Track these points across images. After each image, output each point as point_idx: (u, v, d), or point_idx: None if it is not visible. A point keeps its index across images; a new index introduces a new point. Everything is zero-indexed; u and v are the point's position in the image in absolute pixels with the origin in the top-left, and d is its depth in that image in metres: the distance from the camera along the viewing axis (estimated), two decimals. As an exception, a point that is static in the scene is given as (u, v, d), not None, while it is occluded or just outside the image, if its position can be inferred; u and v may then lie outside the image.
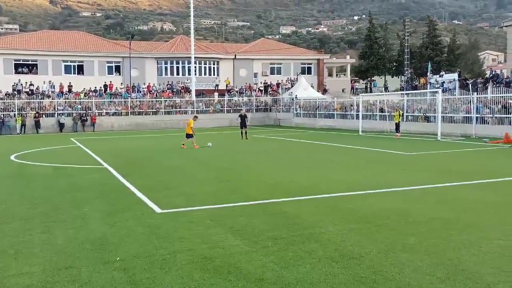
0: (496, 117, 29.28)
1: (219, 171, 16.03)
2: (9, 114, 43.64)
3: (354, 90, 59.36)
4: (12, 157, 21.44)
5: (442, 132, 28.45)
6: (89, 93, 50.01)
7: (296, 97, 49.31)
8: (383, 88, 60.50)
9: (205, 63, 62.23)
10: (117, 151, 24.29)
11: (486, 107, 30.49)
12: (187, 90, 54.10)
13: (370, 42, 72.97)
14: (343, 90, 62.33)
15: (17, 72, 54.95)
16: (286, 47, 75.15)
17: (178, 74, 60.81)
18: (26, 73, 55.08)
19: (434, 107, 32.67)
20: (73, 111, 45.80)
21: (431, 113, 33.45)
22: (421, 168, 15.93)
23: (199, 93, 54.12)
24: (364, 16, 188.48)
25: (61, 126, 44.07)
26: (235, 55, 64.94)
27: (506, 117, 28.31)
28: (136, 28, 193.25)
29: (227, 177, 14.73)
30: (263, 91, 57.98)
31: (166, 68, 61.52)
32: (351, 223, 8.63)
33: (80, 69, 58.33)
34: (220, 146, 25.62)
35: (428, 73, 46.95)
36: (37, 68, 56.59)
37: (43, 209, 10.37)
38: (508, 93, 30.19)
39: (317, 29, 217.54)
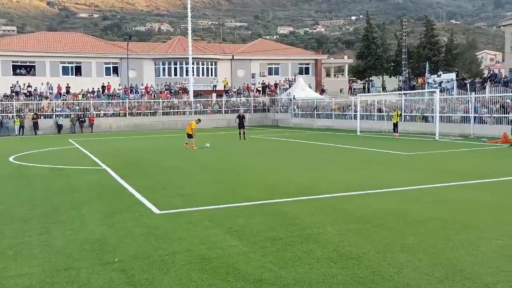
0: (494, 116, 29.32)
1: (217, 172, 16.04)
2: (7, 115, 43.59)
3: (352, 90, 59.38)
4: (10, 159, 21.43)
5: (440, 132, 28.48)
6: (87, 94, 49.98)
7: (294, 98, 49.32)
8: (381, 88, 60.56)
9: (203, 64, 62.23)
10: (115, 152, 24.29)
11: (484, 107, 30.53)
12: (185, 91, 54.09)
13: (368, 42, 72.97)
14: (341, 90, 62.38)
15: (15, 74, 54.94)
16: (284, 48, 75.21)
17: (176, 75, 60.81)
18: (24, 75, 55.09)
19: (432, 107, 32.70)
20: (71, 112, 45.77)
21: (429, 113, 33.48)
22: (419, 168, 15.96)
23: (197, 94, 54.12)
24: (361, 16, 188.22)
25: (59, 127, 44.03)
26: (233, 56, 64.97)
27: (504, 116, 28.33)
28: (133, 29, 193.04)
29: (225, 177, 14.74)
30: (261, 92, 57.97)
31: (163, 69, 61.51)
32: (350, 223, 8.64)
33: (77, 70, 58.30)
34: (218, 146, 25.63)
35: (426, 73, 47.00)
36: (35, 69, 56.56)
37: (42, 210, 10.37)
38: (506, 92, 30.23)
39: (314, 29, 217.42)
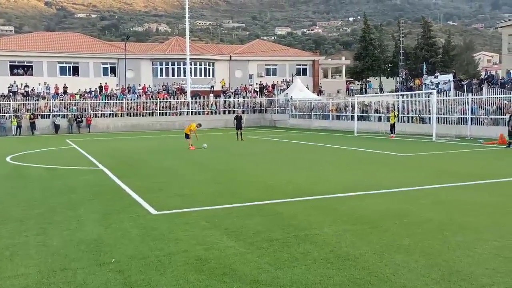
0: (491, 118, 29.36)
1: (214, 173, 16.03)
2: (4, 115, 43.52)
3: (349, 91, 59.39)
4: (7, 159, 21.39)
5: (437, 133, 28.53)
6: (84, 95, 49.94)
7: (291, 98, 49.35)
8: (378, 89, 60.61)
9: (200, 64, 62.22)
10: (113, 152, 24.26)
11: (481, 108, 30.57)
12: (183, 91, 54.08)
13: (365, 43, 73.07)
14: (338, 91, 62.40)
15: (12, 74, 54.85)
16: (281, 48, 75.28)
17: (173, 75, 60.79)
18: (21, 75, 55.00)
19: (429, 108, 32.75)
20: (69, 113, 45.72)
21: (426, 114, 33.52)
22: (416, 169, 15.98)
23: (195, 94, 54.11)
24: (359, 17, 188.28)
25: (56, 127, 43.98)
26: (231, 56, 64.97)
27: (501, 118, 28.37)
28: (131, 29, 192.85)
29: (223, 178, 14.74)
30: (258, 92, 58.01)
31: (161, 69, 61.47)
32: (347, 224, 8.65)
33: (75, 71, 58.23)
34: (216, 147, 25.62)
35: (423, 74, 47.10)
36: (32, 69, 56.48)
37: (39, 210, 10.36)
38: (503, 94, 30.28)
39: (312, 30, 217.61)
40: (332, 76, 79.37)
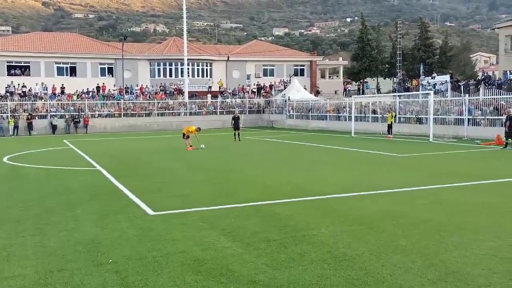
0: (487, 119, 29.42)
1: (212, 173, 16.03)
2: (1, 116, 43.44)
3: (347, 91, 59.43)
4: (4, 159, 21.36)
5: (434, 134, 28.57)
6: (81, 95, 49.89)
7: (289, 99, 49.36)
8: (376, 90, 60.63)
9: (198, 65, 62.17)
10: (110, 153, 24.24)
11: (478, 109, 30.63)
12: (180, 91, 54.05)
13: (363, 44, 73.06)
14: (335, 92, 62.39)
15: (9, 74, 54.69)
16: (279, 49, 75.28)
17: (171, 75, 60.71)
18: (18, 75, 54.83)
19: (426, 108, 32.79)
20: (66, 113, 45.66)
21: (423, 114, 33.57)
22: (414, 170, 16.01)
23: (192, 95, 54.07)
24: (356, 18, 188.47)
25: (53, 128, 43.93)
26: (228, 57, 64.93)
27: (497, 118, 28.43)
28: (128, 29, 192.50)
29: (220, 179, 14.74)
30: (256, 93, 58.00)
31: (159, 69, 61.40)
32: (344, 225, 8.66)
33: (72, 71, 58.10)
34: (213, 148, 25.62)
35: (421, 75, 47.15)
36: (29, 69, 56.33)
37: (36, 211, 10.35)
38: (500, 95, 30.34)
39: (309, 31, 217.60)
40: (329, 76, 79.34)
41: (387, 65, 74.00)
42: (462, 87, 37.82)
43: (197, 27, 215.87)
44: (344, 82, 70.70)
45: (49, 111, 45.38)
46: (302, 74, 67.43)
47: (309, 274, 6.16)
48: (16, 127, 42.35)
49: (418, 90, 40.14)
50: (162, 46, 67.06)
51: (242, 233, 8.18)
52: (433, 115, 30.05)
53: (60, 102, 47.27)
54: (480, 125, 29.86)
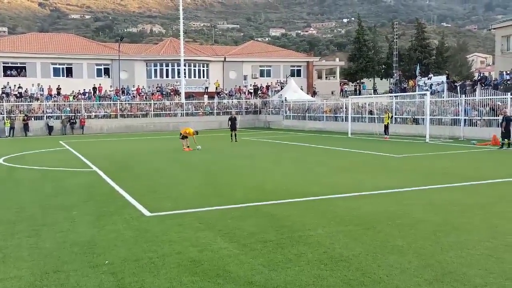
0: (484, 119, 29.48)
1: (208, 174, 16.02)
2: (-3, 117, 43.36)
3: (344, 92, 59.49)
4: (0, 160, 21.30)
5: (431, 134, 28.62)
6: (78, 96, 49.81)
7: (285, 100, 49.38)
8: (372, 91, 60.70)
9: (194, 66, 62.13)
10: (106, 154, 24.21)
11: (474, 109, 30.69)
12: (177, 92, 54.00)
13: (359, 45, 73.11)
14: (332, 93, 62.48)
15: (5, 75, 54.54)
16: (276, 50, 75.28)
17: (167, 76, 60.66)
18: (14, 76, 54.70)
19: (422, 109, 32.84)
20: (62, 114, 45.57)
21: (420, 115, 33.62)
22: (410, 170, 16.02)
23: (189, 96, 54.04)
24: (353, 18, 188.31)
25: (50, 129, 43.83)
26: (225, 58, 64.91)
27: (494, 119, 28.49)
28: (125, 30, 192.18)
29: (217, 180, 14.72)
30: (252, 94, 57.99)
31: (155, 70, 61.33)
32: (340, 225, 8.66)
33: (69, 72, 57.97)
34: (210, 149, 25.60)
35: (417, 76, 47.24)
36: (25, 70, 56.17)
37: (31, 212, 10.32)
38: (496, 95, 30.41)
39: (306, 31, 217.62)
40: (326, 77, 79.37)
41: (383, 66, 74.09)
42: (458, 87, 37.90)
43: (193, 27, 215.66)
44: (340, 83, 70.80)
45: (45, 112, 45.28)
46: (298, 74, 67.44)
47: (306, 275, 6.15)
48: (12, 128, 42.24)
49: (415, 91, 40.24)
50: (158, 46, 67.02)
51: (238, 234, 8.18)
52: (430, 115, 30.09)
53: (56, 103, 47.16)
54: (476, 125, 29.92)
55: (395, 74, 62.01)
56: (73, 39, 65.80)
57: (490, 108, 29.48)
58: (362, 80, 70.38)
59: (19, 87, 49.28)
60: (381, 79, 74.48)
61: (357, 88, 62.66)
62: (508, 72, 38.42)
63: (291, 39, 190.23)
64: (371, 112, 38.05)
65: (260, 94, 57.71)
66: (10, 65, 55.99)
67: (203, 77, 62.38)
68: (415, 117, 34.30)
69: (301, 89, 55.79)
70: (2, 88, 48.70)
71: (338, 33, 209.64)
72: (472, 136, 28.64)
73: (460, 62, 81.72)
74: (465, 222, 8.81)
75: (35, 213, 10.26)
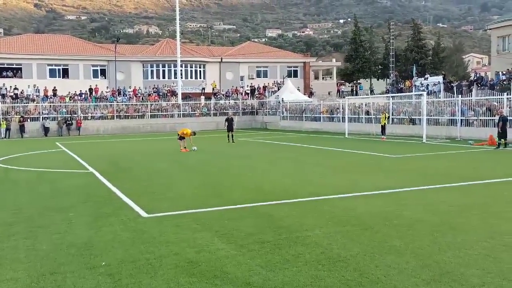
0: (480, 119, 29.53)
1: (205, 175, 15.99)
2: (-7, 118, 43.26)
3: (340, 93, 59.53)
4: (-4, 162, 21.24)
5: (427, 135, 28.66)
6: (74, 97, 49.72)
7: (282, 100, 49.39)
8: (369, 91, 60.80)
9: (191, 67, 62.10)
10: (103, 155, 24.16)
11: (471, 109, 30.74)
12: (173, 93, 53.97)
13: (356, 45, 73.28)
14: (329, 93, 62.50)
15: (1, 76, 54.42)
16: (272, 50, 75.30)
17: (164, 77, 60.62)
18: (10, 77, 54.57)
19: (419, 109, 32.89)
20: (58, 115, 45.51)
21: (416, 115, 33.66)
22: (407, 171, 16.03)
23: (186, 97, 54.00)
24: (349, 19, 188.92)
25: (46, 130, 43.76)
26: (221, 58, 64.92)
27: (490, 119, 28.54)
28: (121, 31, 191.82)
29: (214, 181, 14.70)
30: (249, 94, 57.99)
31: (152, 71, 61.29)
32: (338, 226, 8.65)
33: (65, 73, 57.90)
34: (207, 149, 25.57)
35: (413, 76, 47.30)
36: (21, 72, 56.07)
37: (28, 214, 10.28)
38: (492, 95, 30.47)
39: (303, 32, 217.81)
40: (323, 78, 79.46)
41: (380, 66, 74.26)
42: (454, 88, 37.95)
43: (190, 28, 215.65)
44: (337, 83, 70.82)
45: (41, 113, 45.21)
46: (295, 75, 67.49)
47: (304, 276, 6.14)
48: (8, 129, 42.13)
49: (411, 91, 40.29)
50: (155, 47, 66.98)
51: (236, 235, 8.16)
52: (426, 116, 30.14)
53: (53, 104, 47.07)
54: (473, 125, 29.97)
55: (392, 75, 62.12)
56: (69, 40, 65.72)
57: (486, 108, 29.53)
58: (358, 81, 70.51)
59: (15, 88, 49.19)
60: (378, 80, 74.63)
61: (354, 89, 62.74)
62: (504, 72, 38.52)
63: (287, 40, 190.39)
64: (368, 113, 38.08)
65: (257, 95, 57.72)
66: (6, 66, 55.88)
67: (200, 78, 62.36)
68: (411, 117, 34.35)
69: (298, 89, 55.82)
70: (-2, 89, 48.61)
71: (335, 33, 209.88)
72: (469, 136, 28.69)
73: (456, 62, 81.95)
74: (463, 222, 8.81)
75: (32, 214, 10.23)
